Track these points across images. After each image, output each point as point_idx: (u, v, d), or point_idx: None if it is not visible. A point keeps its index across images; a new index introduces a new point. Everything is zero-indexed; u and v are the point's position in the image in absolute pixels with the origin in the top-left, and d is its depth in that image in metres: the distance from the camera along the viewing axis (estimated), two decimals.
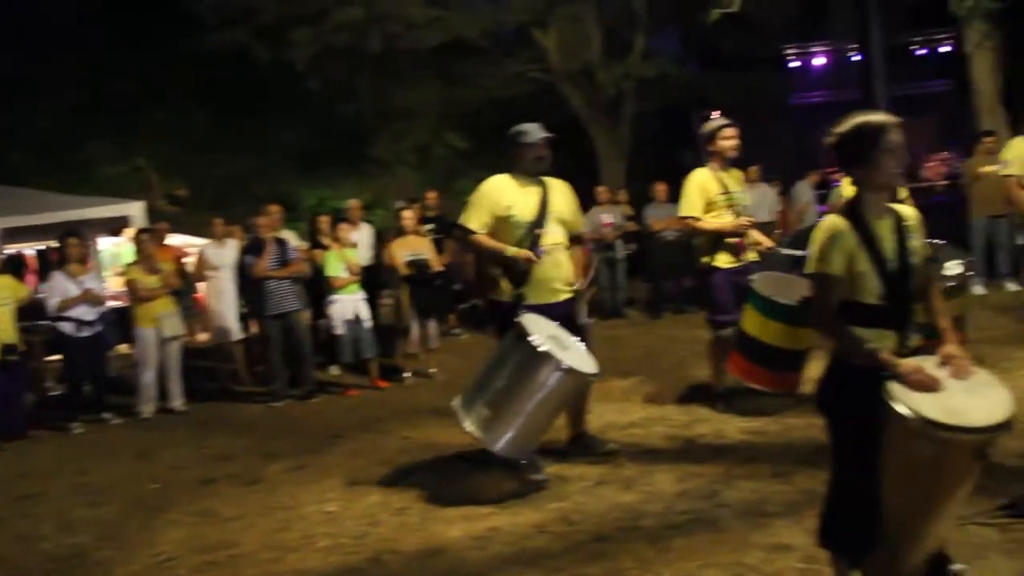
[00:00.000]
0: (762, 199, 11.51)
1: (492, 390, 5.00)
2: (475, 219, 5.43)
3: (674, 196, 11.91)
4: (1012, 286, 10.41)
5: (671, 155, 19.68)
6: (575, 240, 5.71)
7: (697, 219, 6.18)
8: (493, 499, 5.04)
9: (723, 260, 6.21)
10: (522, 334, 4.92)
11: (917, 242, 3.24)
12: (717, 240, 6.20)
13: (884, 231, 3.18)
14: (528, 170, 5.45)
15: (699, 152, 6.29)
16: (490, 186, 5.48)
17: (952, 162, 20.32)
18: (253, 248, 8.88)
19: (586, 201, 12.18)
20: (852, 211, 3.19)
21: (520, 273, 5.32)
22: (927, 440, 2.83)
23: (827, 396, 3.30)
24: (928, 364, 3.06)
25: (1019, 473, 4.60)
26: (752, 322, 5.91)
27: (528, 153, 5.42)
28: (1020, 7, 11.26)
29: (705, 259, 6.26)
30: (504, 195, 5.41)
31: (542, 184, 5.51)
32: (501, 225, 5.40)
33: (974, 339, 7.56)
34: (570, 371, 4.91)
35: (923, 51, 22.57)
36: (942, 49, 21.95)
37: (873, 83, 5.16)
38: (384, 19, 16.01)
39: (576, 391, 5.27)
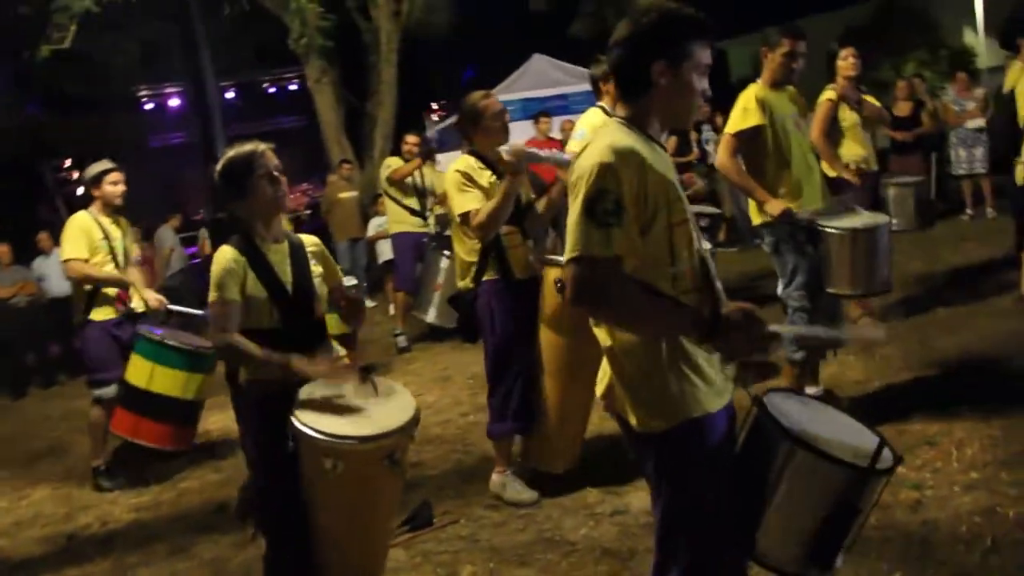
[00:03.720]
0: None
1: None
2: None
3: (21, 257, 10.78)
4: (369, 302, 11.16)
5: (23, 211, 17.65)
6: None
7: (85, 261, 5.49)
8: None
9: (102, 313, 5.58)
10: None
11: (319, 266, 3.32)
12: (95, 291, 5.57)
13: (278, 258, 3.18)
14: None
15: (55, 204, 5.53)
16: None
17: (312, 192, 21.62)
18: None
19: None
20: (244, 241, 3.17)
21: None
22: (334, 454, 2.87)
23: (243, 423, 3.24)
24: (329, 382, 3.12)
25: (412, 485, 4.76)
26: (140, 371, 5.42)
27: None
28: (351, 47, 12.20)
29: (81, 313, 5.60)
30: None
31: None
32: None
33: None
34: None
35: (273, 89, 23.60)
36: (291, 87, 23.07)
37: (212, 124, 4.94)
38: None
39: None
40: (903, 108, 10.57)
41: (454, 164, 4.36)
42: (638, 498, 4.11)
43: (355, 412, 3.02)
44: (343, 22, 11.64)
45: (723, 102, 6.66)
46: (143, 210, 14.27)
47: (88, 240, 5.55)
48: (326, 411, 2.97)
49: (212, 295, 3.09)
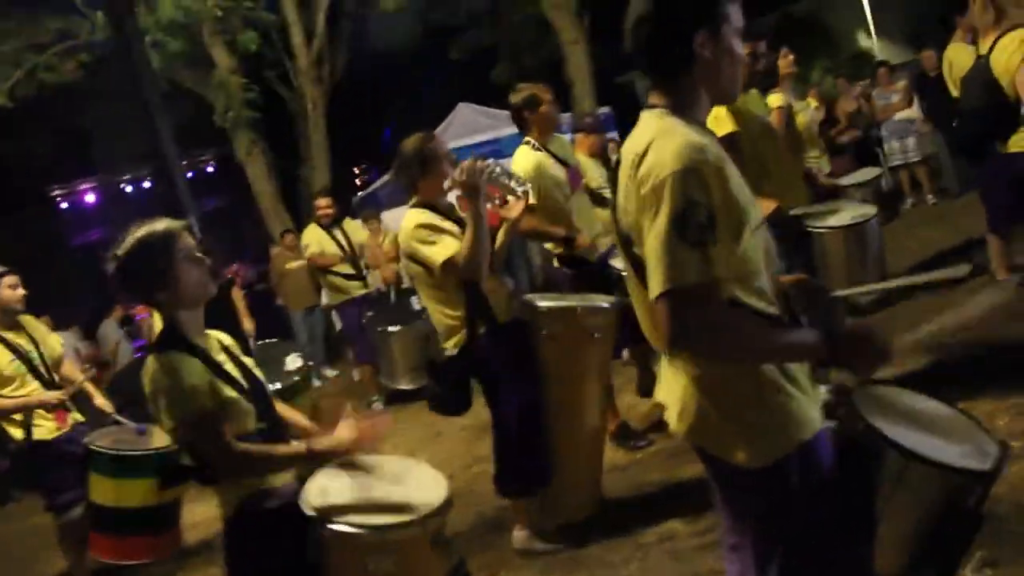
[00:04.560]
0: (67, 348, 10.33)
1: None
2: None
3: None
4: (330, 372, 10.84)
5: None
6: None
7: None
8: None
9: (44, 431, 5.08)
10: None
11: (250, 359, 2.84)
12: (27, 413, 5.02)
13: (217, 352, 2.71)
14: None
15: None
16: None
17: (243, 272, 21.00)
18: None
19: None
20: (176, 339, 2.61)
21: None
22: (382, 549, 2.49)
23: (241, 557, 2.66)
24: (333, 475, 2.69)
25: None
26: (103, 489, 4.86)
27: None
28: (276, 115, 12.02)
29: (20, 438, 5.05)
30: None
31: None
32: None
33: None
34: None
35: (190, 174, 22.96)
36: (208, 169, 22.62)
37: (182, 208, 4.48)
38: None
39: None
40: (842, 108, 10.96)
41: (407, 222, 3.89)
42: (680, 522, 3.96)
43: (382, 498, 2.63)
44: (266, 91, 11.46)
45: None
46: (77, 310, 13.82)
47: None
48: (351, 505, 2.56)
49: (177, 412, 2.47)
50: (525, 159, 4.82)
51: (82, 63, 10.30)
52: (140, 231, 2.63)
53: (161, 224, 2.67)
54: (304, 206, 12.03)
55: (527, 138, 4.94)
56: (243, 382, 2.66)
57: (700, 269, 1.85)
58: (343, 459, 2.71)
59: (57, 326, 11.32)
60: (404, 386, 7.53)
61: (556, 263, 5.19)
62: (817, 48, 21.67)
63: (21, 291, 5.08)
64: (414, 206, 3.96)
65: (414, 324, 7.14)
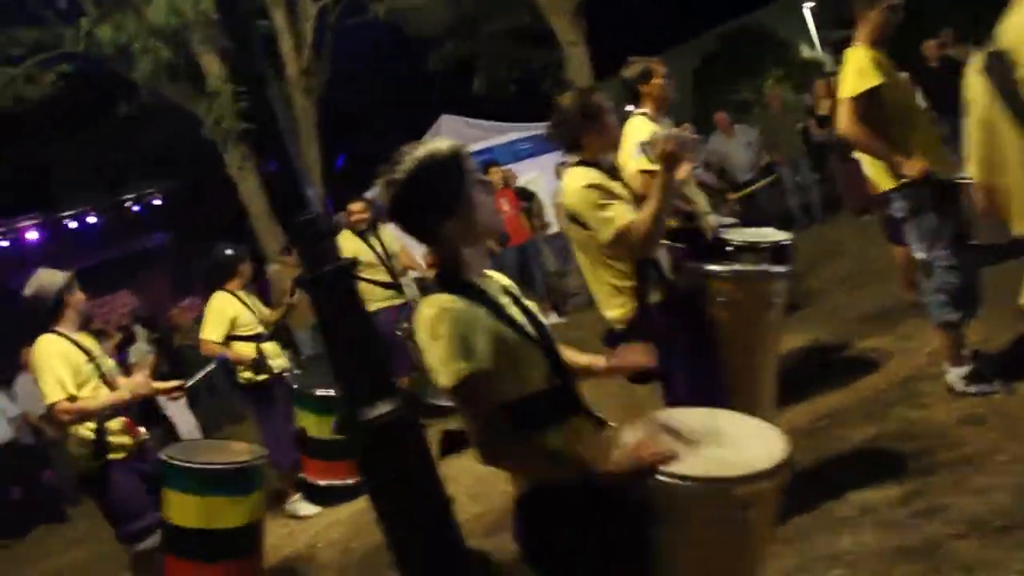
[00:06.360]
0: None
1: None
2: None
3: None
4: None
5: None
6: None
7: (74, 398, 4.47)
8: None
9: (120, 450, 4.59)
10: None
11: (531, 303, 2.42)
12: (102, 427, 4.53)
13: (499, 296, 2.30)
14: None
15: None
16: None
17: (198, 304, 20.10)
18: None
19: None
20: (456, 281, 2.22)
21: None
22: (737, 501, 2.12)
23: (545, 547, 2.22)
24: (639, 434, 2.24)
25: None
26: (188, 509, 4.43)
27: None
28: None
29: (91, 458, 4.55)
30: None
31: None
32: None
33: None
34: None
35: (137, 207, 22.09)
36: (155, 202, 21.76)
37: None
38: None
39: None
40: (825, 106, 10.89)
41: (574, 181, 3.48)
42: (868, 492, 3.69)
43: (714, 450, 2.25)
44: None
45: None
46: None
47: (71, 368, 4.46)
48: (689, 459, 2.17)
49: (457, 367, 2.07)
50: (642, 130, 4.39)
51: (64, 73, 9.64)
52: (419, 151, 2.18)
53: (444, 142, 2.23)
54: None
55: (641, 110, 4.55)
56: (530, 329, 2.25)
57: None
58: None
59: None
60: (445, 402, 7.02)
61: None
62: (766, 60, 22.21)
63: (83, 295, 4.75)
64: (578, 164, 3.58)
65: None
